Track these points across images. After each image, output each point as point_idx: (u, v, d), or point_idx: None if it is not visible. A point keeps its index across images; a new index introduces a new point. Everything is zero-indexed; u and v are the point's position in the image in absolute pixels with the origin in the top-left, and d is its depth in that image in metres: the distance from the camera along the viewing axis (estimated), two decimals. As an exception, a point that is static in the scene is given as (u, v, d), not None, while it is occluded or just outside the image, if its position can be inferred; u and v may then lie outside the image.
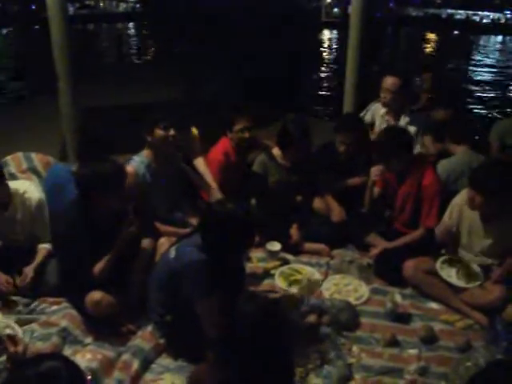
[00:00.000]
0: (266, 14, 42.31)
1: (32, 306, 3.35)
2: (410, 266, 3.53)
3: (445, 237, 3.61)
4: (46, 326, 3.13)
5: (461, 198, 3.51)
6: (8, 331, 2.93)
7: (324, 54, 28.34)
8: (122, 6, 64.10)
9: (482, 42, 38.92)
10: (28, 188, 3.51)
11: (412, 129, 4.34)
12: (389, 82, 4.39)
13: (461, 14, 56.22)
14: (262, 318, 1.91)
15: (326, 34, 41.28)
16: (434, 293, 3.50)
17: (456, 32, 45.87)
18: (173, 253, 2.79)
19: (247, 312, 1.92)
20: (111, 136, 4.89)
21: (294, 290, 3.51)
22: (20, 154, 4.48)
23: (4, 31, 42.25)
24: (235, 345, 1.88)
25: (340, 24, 40.41)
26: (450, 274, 3.44)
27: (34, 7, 48.46)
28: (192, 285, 2.65)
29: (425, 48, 32.75)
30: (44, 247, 3.49)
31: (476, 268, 3.39)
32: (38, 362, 1.51)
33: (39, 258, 3.45)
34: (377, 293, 3.61)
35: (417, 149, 4.24)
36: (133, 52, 29.50)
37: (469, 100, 14.10)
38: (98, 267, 3.04)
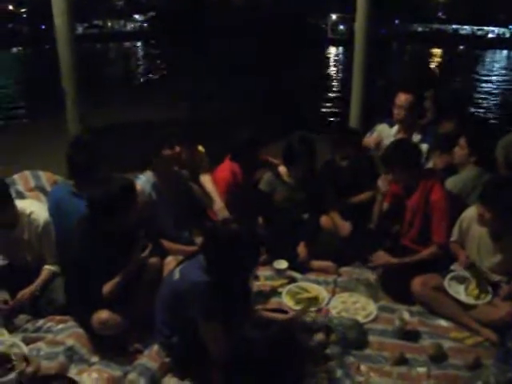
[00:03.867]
0: (274, 29, 42.73)
1: (38, 324, 3.35)
2: (417, 282, 3.50)
3: (457, 250, 3.58)
4: (53, 344, 3.12)
5: (469, 213, 3.50)
6: (15, 350, 2.92)
7: (330, 70, 28.49)
8: (130, 26, 65.01)
9: (487, 57, 39.02)
10: (35, 208, 3.52)
11: (424, 146, 4.32)
12: (402, 98, 4.39)
13: (466, 29, 56.47)
14: (269, 342, 1.89)
15: (333, 51, 41.53)
16: (443, 310, 3.47)
17: (461, 47, 46.04)
18: (177, 274, 2.77)
19: (255, 337, 1.91)
20: (117, 154, 4.95)
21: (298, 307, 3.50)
22: (27, 173, 4.52)
23: (14, 50, 42.90)
24: (241, 368, 1.86)
25: (346, 41, 40.70)
26: (459, 291, 3.41)
27: (43, 27, 49.20)
28: (196, 307, 2.63)
29: (430, 63, 32.84)
30: (48, 269, 3.48)
31: (490, 277, 3.36)
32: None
33: (40, 279, 3.44)
34: (385, 310, 3.58)
35: (429, 165, 4.23)
36: (140, 70, 29.79)
37: (475, 113, 14.09)
38: (107, 288, 3.03)
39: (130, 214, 3.08)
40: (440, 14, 66.99)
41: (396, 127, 4.58)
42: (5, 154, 6.49)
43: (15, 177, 4.44)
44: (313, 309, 3.43)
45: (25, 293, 3.37)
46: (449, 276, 3.48)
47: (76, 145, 3.77)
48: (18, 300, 3.36)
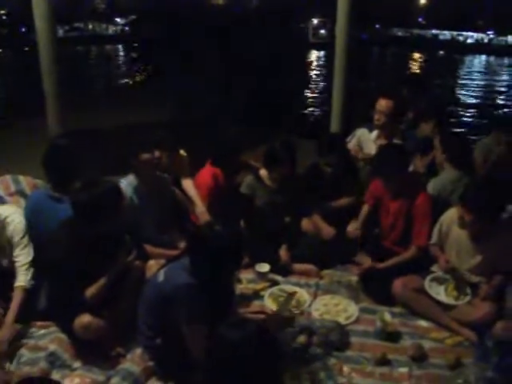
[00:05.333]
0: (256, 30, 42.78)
1: (20, 330, 3.29)
2: (398, 284, 3.55)
3: (437, 252, 3.63)
4: (35, 350, 3.10)
5: (449, 215, 3.54)
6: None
7: (311, 74, 28.63)
8: (112, 29, 64.59)
9: (466, 62, 39.58)
10: (10, 213, 3.46)
11: None
12: (383, 104, 4.42)
13: (445, 34, 57.11)
14: (247, 341, 1.90)
15: (314, 55, 41.76)
16: (423, 311, 3.51)
17: (441, 52, 46.61)
18: (161, 276, 2.78)
19: (232, 335, 1.91)
20: (98, 157, 4.92)
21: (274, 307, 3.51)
22: (8, 177, 4.45)
23: (-6, 53, 42.33)
24: (221, 368, 1.87)
25: (327, 45, 40.95)
26: (439, 292, 3.46)
27: (24, 29, 48.68)
28: (180, 308, 2.63)
29: (411, 67, 33.22)
30: (18, 287, 3.30)
31: (469, 278, 3.42)
32: None
33: (14, 305, 3.23)
34: (366, 312, 3.61)
35: (410, 169, 4.29)
36: (121, 73, 29.63)
37: (453, 118, 14.29)
38: (91, 292, 3.02)
39: (116, 216, 3.07)
40: (420, 19, 67.74)
41: (376, 132, 4.62)
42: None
43: (-5, 181, 4.38)
44: (293, 308, 3.44)
45: (4, 333, 3.16)
46: (429, 277, 3.52)
47: (52, 148, 3.73)
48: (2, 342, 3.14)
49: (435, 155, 4.27)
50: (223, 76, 17.90)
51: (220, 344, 1.92)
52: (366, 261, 3.99)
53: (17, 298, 3.27)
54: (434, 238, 3.63)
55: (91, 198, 2.97)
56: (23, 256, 3.39)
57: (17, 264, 3.37)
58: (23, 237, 3.42)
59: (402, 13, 61.36)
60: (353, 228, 4.07)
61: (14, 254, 3.40)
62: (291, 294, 3.47)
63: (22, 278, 3.32)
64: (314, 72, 30.31)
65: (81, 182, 3.15)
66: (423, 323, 3.50)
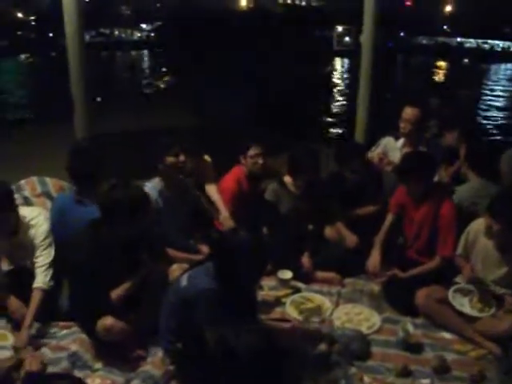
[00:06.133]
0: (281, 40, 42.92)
1: (43, 329, 3.36)
2: (421, 294, 3.50)
3: (462, 263, 3.58)
4: (57, 350, 3.15)
5: (476, 225, 3.50)
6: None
7: (336, 82, 28.59)
8: (137, 35, 65.38)
9: (492, 70, 39.09)
10: (36, 215, 3.52)
11: None
12: (409, 112, 4.42)
13: (471, 42, 56.50)
14: (265, 347, 1.90)
15: (338, 63, 41.70)
16: (447, 322, 3.46)
17: (466, 60, 46.14)
18: (184, 281, 2.79)
19: (252, 342, 1.92)
20: (123, 161, 4.98)
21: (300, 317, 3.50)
22: (34, 179, 4.53)
23: (22, 57, 43.25)
24: (245, 375, 1.88)
25: (352, 52, 40.83)
26: (463, 303, 3.41)
27: (51, 35, 49.59)
28: (203, 313, 2.64)
29: (436, 76, 32.94)
30: (36, 288, 3.34)
31: (494, 290, 3.36)
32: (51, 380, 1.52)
33: (32, 307, 3.28)
34: (388, 322, 3.57)
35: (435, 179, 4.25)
36: (146, 79, 29.95)
37: (480, 126, 14.12)
38: (116, 294, 3.05)
39: (144, 218, 3.10)
40: (445, 27, 67.20)
41: (401, 141, 4.61)
42: (12, 160, 6.53)
43: (22, 182, 4.45)
44: (316, 319, 3.44)
45: (23, 333, 3.21)
46: (453, 288, 3.47)
47: (76, 152, 3.78)
48: (20, 342, 3.18)
49: (461, 165, 4.22)
50: (247, 84, 17.97)
51: (233, 351, 1.93)
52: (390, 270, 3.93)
53: (35, 300, 3.30)
54: (460, 249, 3.59)
55: (122, 198, 2.99)
56: (43, 257, 3.44)
57: (36, 265, 3.43)
58: (45, 238, 3.47)
59: (427, 21, 60.94)
60: (373, 265, 4.02)
61: (36, 254, 3.45)
62: (318, 307, 3.47)
63: (41, 279, 3.36)
64: (339, 80, 30.24)
65: (108, 184, 3.18)
66: (446, 335, 3.44)
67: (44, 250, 3.44)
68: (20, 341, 3.17)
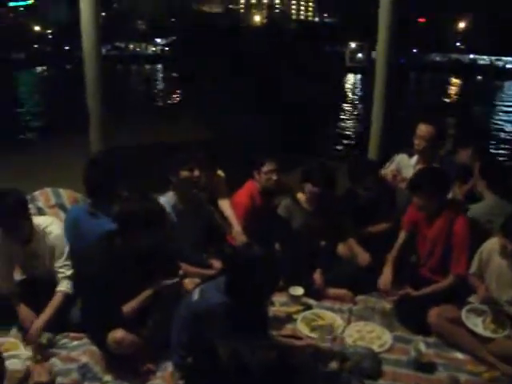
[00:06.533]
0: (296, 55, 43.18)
1: (53, 340, 3.36)
2: (434, 313, 3.47)
3: (476, 283, 3.54)
4: (67, 361, 3.15)
5: (490, 244, 3.47)
6: (29, 363, 2.97)
7: (349, 98, 28.65)
8: (151, 49, 66.22)
9: (505, 87, 38.97)
10: (50, 223, 3.56)
11: None
12: (423, 129, 4.41)
13: (484, 59, 56.47)
14: (277, 364, 1.90)
15: (351, 79, 41.82)
16: (459, 342, 3.41)
17: (479, 77, 46.07)
18: (196, 295, 2.80)
19: (264, 358, 1.92)
20: (137, 174, 5.01)
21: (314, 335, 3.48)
22: (48, 190, 4.58)
23: (39, 69, 43.92)
24: None
25: (364, 69, 40.98)
26: (476, 324, 3.36)
27: (67, 48, 50.38)
28: (214, 328, 2.64)
29: (449, 93, 32.90)
30: (60, 291, 3.44)
31: (509, 310, 3.32)
32: None
33: (52, 306, 3.38)
34: (400, 340, 3.53)
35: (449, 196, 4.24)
36: (160, 92, 30.21)
37: (493, 144, 14.04)
38: (129, 307, 3.05)
39: (160, 232, 3.11)
40: (458, 43, 67.25)
41: (415, 157, 4.59)
42: (26, 171, 6.59)
43: (36, 193, 4.50)
44: (328, 336, 3.41)
45: (37, 324, 3.31)
46: (466, 308, 3.43)
47: (92, 165, 3.82)
48: (32, 333, 3.28)
49: (475, 183, 4.20)
50: (259, 99, 18.06)
51: (242, 369, 1.93)
52: (402, 288, 3.90)
53: (56, 300, 3.40)
54: (474, 267, 3.55)
55: (139, 210, 3.01)
56: (66, 267, 3.50)
57: (60, 275, 3.48)
58: (65, 247, 3.52)
59: (440, 37, 61.11)
60: (384, 283, 3.99)
61: (57, 264, 3.50)
62: (330, 324, 3.47)
63: (65, 285, 3.45)
64: (352, 96, 30.31)
65: (125, 195, 3.20)
66: (459, 355, 3.39)
67: (66, 259, 3.50)
68: (33, 330, 3.26)
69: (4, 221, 3.32)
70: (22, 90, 30.43)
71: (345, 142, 15.24)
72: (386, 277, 3.96)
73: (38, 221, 3.54)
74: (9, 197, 3.28)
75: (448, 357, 3.38)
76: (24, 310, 3.40)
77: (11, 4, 79.84)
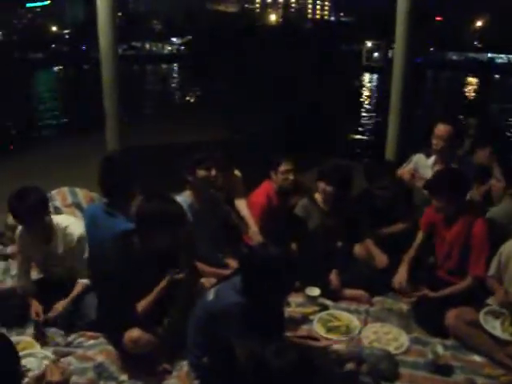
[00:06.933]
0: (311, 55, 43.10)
1: (70, 338, 3.39)
2: (452, 315, 3.43)
3: (495, 285, 3.50)
4: (83, 359, 3.16)
5: (509, 246, 3.43)
6: (46, 362, 2.97)
7: (365, 97, 28.50)
8: (167, 48, 66.51)
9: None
10: (70, 223, 3.60)
11: None
12: (441, 129, 4.38)
13: (502, 57, 55.83)
14: (296, 365, 1.89)
15: (367, 78, 41.62)
16: (477, 345, 3.37)
17: (497, 76, 45.56)
18: (212, 295, 2.80)
19: (274, 363, 1.91)
20: (154, 174, 5.03)
21: (333, 336, 3.46)
22: (65, 189, 4.62)
23: (56, 69, 44.36)
24: None
25: (380, 68, 40.75)
26: (495, 326, 3.32)
27: (84, 48, 50.86)
28: (230, 328, 2.64)
29: (467, 92, 32.59)
30: (82, 282, 3.54)
31: None
32: None
33: (74, 293, 3.50)
34: (417, 343, 3.49)
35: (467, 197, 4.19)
36: (176, 92, 30.32)
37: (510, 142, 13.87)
38: (141, 306, 3.06)
39: (179, 232, 3.12)
40: (476, 42, 66.59)
41: (433, 158, 4.55)
42: (43, 169, 6.66)
43: (53, 192, 4.55)
44: (344, 338, 3.40)
45: (58, 306, 3.43)
46: (484, 310, 3.39)
47: (107, 164, 3.84)
48: (52, 313, 3.41)
49: (492, 184, 4.14)
50: (275, 98, 18.04)
51: (261, 370, 1.92)
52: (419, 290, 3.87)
53: (77, 289, 3.51)
54: (492, 270, 3.51)
55: (158, 210, 3.02)
56: (83, 267, 3.56)
57: (79, 276, 3.56)
58: (83, 248, 3.57)
59: (457, 36, 60.58)
60: (399, 281, 3.96)
61: (78, 264, 3.56)
62: (347, 325, 3.50)
63: (85, 279, 3.55)
64: (367, 95, 30.15)
65: (144, 195, 3.21)
66: (477, 358, 3.35)
67: (86, 261, 3.57)
68: (55, 309, 3.40)
69: (26, 218, 3.35)
70: (40, 89, 30.78)
71: (362, 141, 15.18)
72: (400, 275, 3.92)
73: (58, 220, 3.58)
74: (30, 194, 3.30)
75: (465, 359, 3.34)
76: (35, 304, 3.46)
77: (28, 5, 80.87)
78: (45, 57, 50.80)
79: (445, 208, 3.74)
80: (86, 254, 3.57)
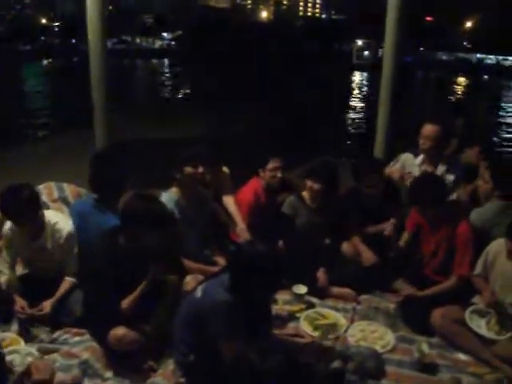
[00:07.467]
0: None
1: (55, 335, 3.37)
2: (438, 314, 3.44)
3: (481, 285, 3.52)
4: (68, 356, 3.14)
5: (495, 246, 3.45)
6: (30, 359, 2.96)
7: (354, 96, 28.58)
8: (158, 43, 66.22)
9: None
10: (60, 219, 3.57)
11: (450, 177, 4.31)
12: (429, 129, 4.36)
13: (491, 58, 56.30)
14: (288, 365, 1.88)
15: (357, 77, 41.73)
16: (463, 343, 3.39)
17: (486, 76, 45.93)
18: (199, 292, 2.79)
19: (261, 364, 1.90)
20: (142, 170, 4.99)
21: (317, 334, 3.46)
22: (52, 184, 4.58)
23: (45, 62, 44.00)
24: None
25: (371, 67, 40.87)
26: (480, 325, 3.34)
27: (74, 41, 50.49)
28: (217, 325, 2.63)
29: (455, 92, 32.80)
30: (69, 280, 3.51)
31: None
32: None
33: (61, 291, 3.46)
34: (403, 341, 3.50)
35: (453, 197, 4.21)
36: (165, 87, 30.20)
37: (500, 143, 13.98)
38: (125, 303, 3.04)
39: (166, 230, 3.10)
40: (465, 42, 67.04)
41: (421, 157, 4.55)
42: (31, 165, 6.59)
43: (40, 187, 4.49)
44: (331, 336, 3.39)
45: (46, 306, 3.39)
46: (470, 309, 3.42)
47: (98, 160, 3.80)
48: (40, 312, 3.37)
49: (479, 185, 4.16)
50: (263, 97, 18.04)
51: (247, 368, 1.92)
52: (404, 288, 3.90)
53: (64, 287, 3.47)
54: (478, 269, 3.53)
55: (143, 210, 3.01)
56: (71, 263, 3.53)
57: (67, 272, 3.52)
58: (72, 244, 3.54)
59: (446, 36, 60.96)
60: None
61: (66, 259, 3.53)
62: (333, 323, 3.47)
63: (72, 277, 3.51)
64: (357, 93, 30.24)
65: (132, 193, 3.19)
66: (462, 356, 3.37)
67: (73, 258, 3.54)
68: (44, 308, 3.36)
69: (18, 214, 3.33)
70: (30, 83, 30.51)
71: (350, 139, 15.22)
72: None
73: (48, 215, 3.55)
74: (22, 191, 3.29)
75: (451, 358, 3.36)
76: (19, 301, 3.42)
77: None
78: (34, 49, 50.32)
79: (426, 214, 3.77)
80: (75, 250, 3.55)
